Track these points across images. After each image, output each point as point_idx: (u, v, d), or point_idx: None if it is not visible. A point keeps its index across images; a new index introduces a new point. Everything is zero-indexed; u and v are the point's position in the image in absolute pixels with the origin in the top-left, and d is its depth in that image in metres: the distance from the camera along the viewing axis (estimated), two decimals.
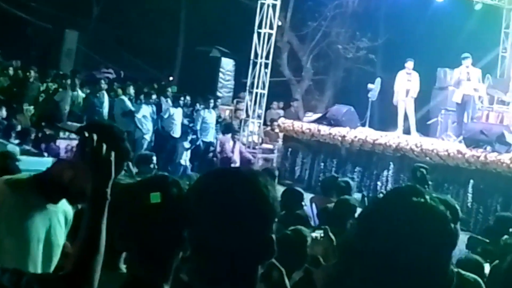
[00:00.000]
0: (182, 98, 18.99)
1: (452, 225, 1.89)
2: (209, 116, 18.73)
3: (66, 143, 2.74)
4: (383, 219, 1.87)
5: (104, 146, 2.49)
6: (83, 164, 2.50)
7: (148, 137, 17.78)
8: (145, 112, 17.74)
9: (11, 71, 18.39)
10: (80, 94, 18.10)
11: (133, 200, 2.49)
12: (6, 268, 2.42)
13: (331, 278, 4.41)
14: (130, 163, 14.09)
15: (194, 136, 18.19)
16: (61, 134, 2.77)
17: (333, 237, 4.80)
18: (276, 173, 11.65)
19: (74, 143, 2.63)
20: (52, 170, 2.95)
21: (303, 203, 9.28)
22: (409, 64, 17.67)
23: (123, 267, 2.95)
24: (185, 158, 17.74)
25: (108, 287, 2.51)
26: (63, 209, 3.12)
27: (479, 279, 4.88)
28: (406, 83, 17.63)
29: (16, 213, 2.87)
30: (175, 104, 18.62)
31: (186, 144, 17.76)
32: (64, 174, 2.87)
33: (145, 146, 17.45)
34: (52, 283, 2.47)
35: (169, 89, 19.87)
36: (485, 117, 17.05)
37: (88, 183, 2.49)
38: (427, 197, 1.89)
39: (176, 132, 18.24)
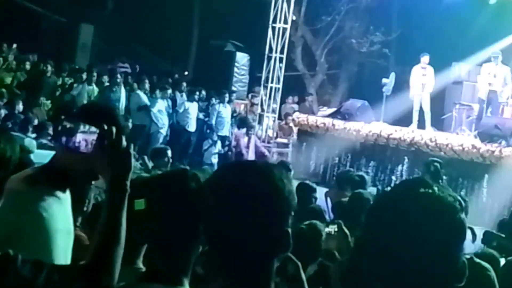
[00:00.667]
0: (197, 93, 19.03)
1: (462, 216, 1.88)
2: (224, 111, 18.78)
3: (85, 137, 2.75)
4: (392, 211, 1.88)
5: (123, 138, 2.50)
6: (102, 157, 2.51)
7: (163, 131, 17.87)
8: (161, 106, 17.82)
9: (28, 65, 18.48)
10: (96, 88, 18.20)
11: (153, 193, 2.52)
12: (27, 259, 2.43)
13: (345, 273, 4.45)
14: (145, 157, 14.19)
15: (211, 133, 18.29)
16: (81, 128, 2.78)
17: (347, 231, 4.82)
18: (291, 167, 11.66)
19: (94, 136, 2.66)
20: (57, 159, 2.92)
21: (315, 197, 9.29)
22: (425, 58, 17.63)
23: (139, 263, 2.99)
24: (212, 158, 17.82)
25: (124, 281, 2.53)
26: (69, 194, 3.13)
27: (492, 270, 4.90)
28: (422, 78, 17.60)
29: (35, 207, 2.86)
30: (190, 99, 18.67)
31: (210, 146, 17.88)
32: (68, 161, 2.83)
33: (160, 140, 17.54)
34: (73, 274, 2.47)
35: (184, 84, 19.91)
36: (500, 112, 17.01)
37: (107, 175, 2.51)
38: (435, 188, 1.89)
39: (191, 126, 18.32)
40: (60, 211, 2.92)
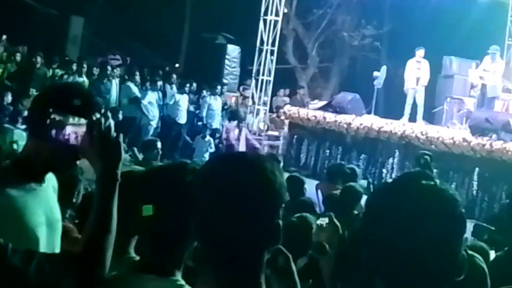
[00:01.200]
0: (187, 85, 19.00)
1: (462, 209, 1.87)
2: (215, 103, 18.76)
3: (75, 129, 2.74)
4: (394, 203, 1.87)
5: (112, 129, 2.50)
6: (91, 147, 2.50)
7: (154, 123, 17.85)
8: (151, 98, 17.80)
9: (18, 57, 18.41)
10: (86, 80, 18.14)
11: (151, 186, 2.51)
12: (17, 248, 2.42)
13: (337, 266, 4.43)
14: (135, 149, 14.18)
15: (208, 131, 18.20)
16: (70, 120, 2.76)
17: (338, 223, 4.82)
18: (281, 159, 11.64)
19: (83, 128, 2.64)
20: (27, 150, 2.86)
21: (305, 189, 9.30)
22: (420, 52, 17.67)
23: (132, 252, 2.97)
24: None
25: (117, 270, 2.53)
26: (50, 183, 3.03)
27: (483, 262, 4.91)
28: (416, 71, 17.64)
29: (12, 206, 2.77)
30: (181, 91, 18.63)
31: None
32: (39, 151, 2.78)
33: (151, 132, 17.51)
34: (64, 263, 2.47)
35: (174, 76, 19.88)
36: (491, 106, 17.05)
37: (97, 166, 2.50)
38: (437, 181, 1.88)
39: (182, 119, 18.29)
40: (37, 203, 2.85)
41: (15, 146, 7.94)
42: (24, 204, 2.79)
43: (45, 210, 2.91)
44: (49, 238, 2.91)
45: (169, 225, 2.41)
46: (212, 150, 17.51)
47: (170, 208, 2.41)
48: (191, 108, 18.83)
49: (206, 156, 17.37)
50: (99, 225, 2.46)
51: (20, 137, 12.34)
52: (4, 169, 2.86)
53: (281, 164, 11.07)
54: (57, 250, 2.92)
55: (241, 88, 22.87)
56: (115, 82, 18.12)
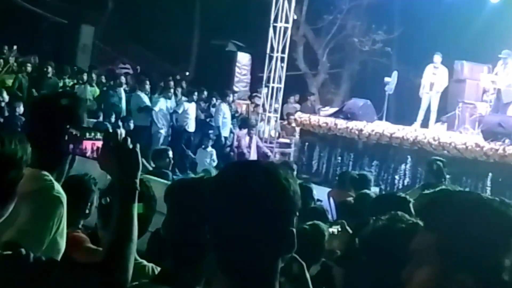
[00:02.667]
0: (196, 93, 18.95)
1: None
2: (226, 111, 18.73)
3: (92, 143, 2.74)
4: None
5: (129, 139, 2.56)
6: (109, 159, 2.55)
7: (164, 131, 17.80)
8: (161, 107, 17.76)
9: (29, 67, 18.44)
10: (97, 89, 18.15)
11: (170, 200, 2.62)
12: (39, 257, 2.45)
13: (350, 275, 4.41)
14: (143, 159, 14.16)
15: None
16: (87, 135, 2.75)
17: (350, 231, 4.80)
18: (294, 166, 11.61)
19: (100, 143, 2.70)
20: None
21: (313, 197, 9.24)
22: (436, 58, 17.66)
23: (137, 257, 3.04)
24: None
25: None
26: None
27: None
28: (432, 77, 17.62)
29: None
30: (189, 99, 18.60)
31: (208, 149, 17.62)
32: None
33: (161, 141, 17.47)
34: (86, 273, 2.49)
35: (183, 84, 19.86)
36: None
37: (116, 176, 2.55)
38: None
39: (191, 127, 18.26)
40: None
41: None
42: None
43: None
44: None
45: (192, 237, 2.47)
46: (215, 162, 17.16)
47: (192, 220, 2.46)
48: (202, 117, 18.78)
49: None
50: (120, 233, 2.49)
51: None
52: None
53: (295, 171, 11.02)
54: None
55: (252, 95, 22.84)
56: (124, 91, 18.11)
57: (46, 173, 3.06)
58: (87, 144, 2.66)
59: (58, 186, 3.07)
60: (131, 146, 2.56)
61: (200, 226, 2.31)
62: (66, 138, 2.65)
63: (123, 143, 2.55)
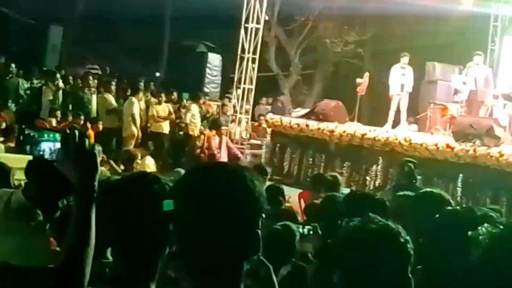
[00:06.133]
0: (167, 94, 18.79)
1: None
2: (196, 112, 18.57)
3: (50, 145, 2.68)
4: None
5: (87, 140, 2.52)
6: (67, 161, 2.51)
7: (135, 134, 17.59)
8: (132, 109, 17.53)
9: None
10: (65, 91, 17.91)
11: (113, 198, 2.52)
12: None
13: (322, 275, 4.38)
14: (111, 161, 13.98)
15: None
16: (45, 136, 2.69)
17: (320, 232, 4.81)
18: (269, 169, 11.54)
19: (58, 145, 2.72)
20: None
21: (284, 198, 9.18)
22: (405, 59, 17.58)
23: (109, 255, 2.92)
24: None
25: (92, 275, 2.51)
26: None
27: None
28: (401, 78, 17.57)
29: None
30: (161, 100, 18.41)
31: None
32: None
33: (133, 143, 17.27)
34: (42, 277, 2.47)
35: (152, 85, 19.73)
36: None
37: (74, 178, 2.50)
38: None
39: (163, 128, 18.09)
40: None
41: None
42: None
43: None
44: None
45: (136, 235, 2.42)
46: None
47: (135, 219, 2.42)
48: (172, 117, 18.62)
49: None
50: (77, 237, 2.46)
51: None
52: None
53: (269, 175, 10.99)
54: None
55: (223, 96, 22.76)
56: (94, 93, 17.91)
57: None
58: (46, 146, 2.63)
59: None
60: (89, 147, 2.52)
61: (150, 224, 2.37)
62: (22, 138, 2.63)
63: (80, 144, 2.50)
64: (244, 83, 19.67)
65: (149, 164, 14.08)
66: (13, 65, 17.92)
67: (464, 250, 2.31)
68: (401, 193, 5.42)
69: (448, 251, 2.36)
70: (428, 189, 4.71)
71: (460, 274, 2.28)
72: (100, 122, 16.49)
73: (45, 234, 3.36)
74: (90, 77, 18.52)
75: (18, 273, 2.49)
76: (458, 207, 2.58)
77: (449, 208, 2.60)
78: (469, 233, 2.39)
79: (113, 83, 18.42)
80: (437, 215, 2.56)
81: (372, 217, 2.67)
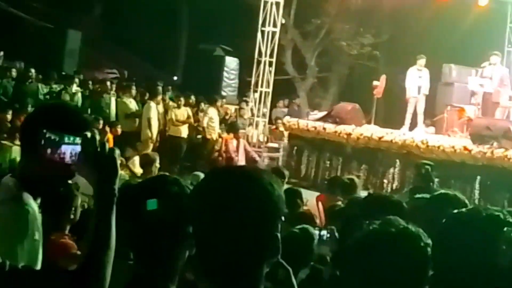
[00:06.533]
0: (185, 98, 18.87)
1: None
2: (214, 115, 18.66)
3: (71, 148, 2.72)
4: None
5: (107, 144, 2.54)
6: (86, 164, 2.53)
7: (153, 137, 17.69)
8: (150, 112, 17.64)
9: (14, 72, 18.33)
10: (84, 95, 18.04)
11: (133, 200, 2.57)
12: (15, 266, 2.43)
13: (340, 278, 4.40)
14: (129, 165, 14.10)
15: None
16: (66, 139, 2.73)
17: (337, 236, 4.82)
18: (286, 172, 11.57)
19: (78, 147, 2.69)
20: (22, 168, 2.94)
21: (302, 202, 9.20)
22: (421, 61, 17.63)
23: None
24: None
25: (115, 276, 2.54)
26: None
27: None
28: (418, 80, 17.59)
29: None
30: (179, 104, 18.50)
31: None
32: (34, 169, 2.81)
33: (151, 146, 17.37)
34: (61, 280, 2.47)
35: (170, 89, 19.82)
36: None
37: (93, 182, 2.52)
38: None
39: (181, 132, 18.18)
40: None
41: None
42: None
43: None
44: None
45: (156, 237, 2.47)
46: None
47: (154, 220, 2.46)
48: (191, 121, 18.72)
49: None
50: (98, 241, 2.47)
51: (19, 154, 12.23)
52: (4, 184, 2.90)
53: (286, 178, 11.04)
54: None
55: (240, 100, 22.81)
56: (113, 96, 18.03)
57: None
58: (66, 149, 2.61)
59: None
60: (109, 151, 2.53)
61: (169, 225, 2.42)
62: (43, 142, 2.59)
63: (100, 148, 2.52)
64: (261, 86, 19.74)
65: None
66: (32, 70, 18.05)
67: (468, 253, 2.32)
68: (418, 195, 5.43)
69: (453, 255, 2.37)
70: (443, 191, 4.67)
71: (468, 278, 2.30)
72: (119, 126, 16.60)
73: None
74: (108, 81, 18.63)
75: (37, 276, 2.51)
76: (463, 209, 2.55)
77: (455, 211, 2.59)
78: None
79: (133, 87, 18.53)
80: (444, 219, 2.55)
81: (392, 219, 2.70)
